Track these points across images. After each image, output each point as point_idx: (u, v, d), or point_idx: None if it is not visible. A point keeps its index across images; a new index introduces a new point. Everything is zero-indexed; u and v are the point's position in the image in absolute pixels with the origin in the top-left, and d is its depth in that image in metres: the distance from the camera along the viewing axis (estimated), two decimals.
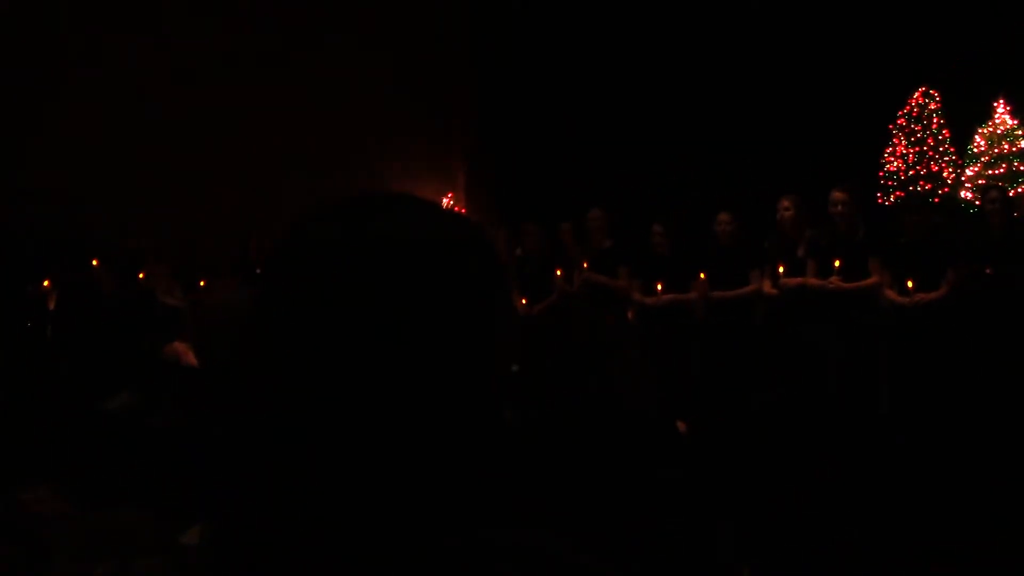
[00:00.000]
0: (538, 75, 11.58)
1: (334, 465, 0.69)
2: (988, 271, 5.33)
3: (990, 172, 13.38)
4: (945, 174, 13.62)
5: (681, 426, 2.96)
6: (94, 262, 7.33)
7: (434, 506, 0.72)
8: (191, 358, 3.76)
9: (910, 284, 5.76)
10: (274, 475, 0.70)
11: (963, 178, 13.67)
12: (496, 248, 0.79)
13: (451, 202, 10.83)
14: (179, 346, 3.97)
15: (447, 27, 11.77)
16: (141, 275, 7.26)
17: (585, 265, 7.07)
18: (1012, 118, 13.67)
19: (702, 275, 6.69)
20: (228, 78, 10.08)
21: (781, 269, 6.39)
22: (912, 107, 13.80)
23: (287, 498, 0.69)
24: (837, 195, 6.28)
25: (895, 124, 13.81)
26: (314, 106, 10.35)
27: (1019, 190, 13.11)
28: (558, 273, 6.97)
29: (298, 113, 10.21)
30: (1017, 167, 13.46)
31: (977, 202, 10.17)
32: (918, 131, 13.70)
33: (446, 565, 0.70)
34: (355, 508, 0.69)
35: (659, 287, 6.80)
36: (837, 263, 6.12)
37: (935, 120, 13.73)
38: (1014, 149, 13.55)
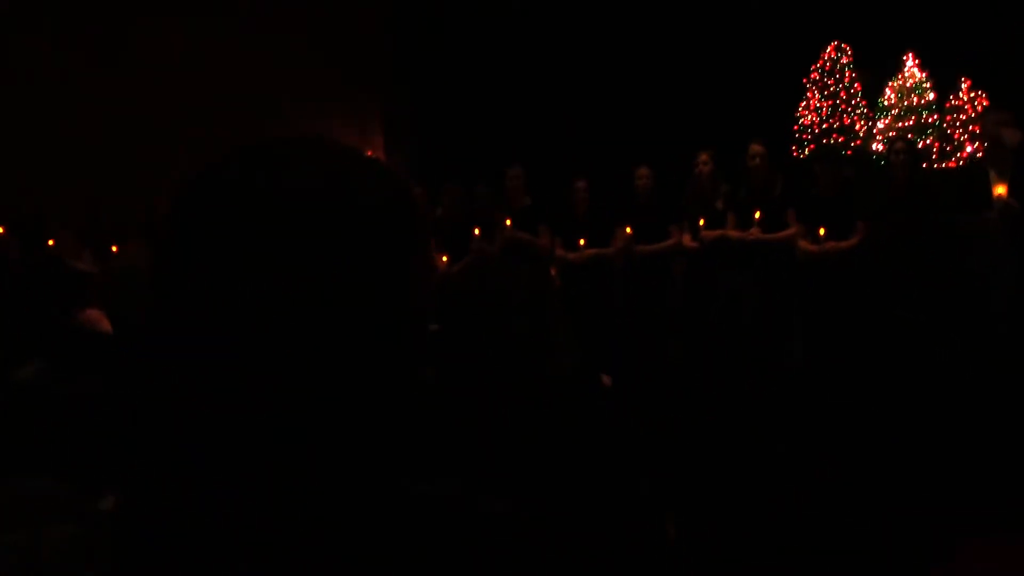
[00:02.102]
0: (455, 32, 11.47)
1: (247, 425, 0.67)
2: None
3: (900, 124, 13.72)
4: (857, 127, 13.93)
5: (606, 380, 2.98)
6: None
7: (353, 462, 0.70)
8: (105, 324, 3.67)
9: (822, 232, 5.89)
10: (188, 438, 0.67)
11: (874, 131, 14.00)
12: (416, 196, 0.76)
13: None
14: (93, 313, 3.87)
15: None
16: (50, 242, 7.04)
17: (508, 223, 7.06)
18: (920, 71, 14.01)
19: (628, 229, 6.73)
20: (138, 32, 9.79)
21: (701, 222, 6.47)
22: (825, 61, 14.05)
23: (202, 461, 0.67)
24: (755, 148, 6.37)
25: (808, 78, 14.05)
26: (227, 65, 10.10)
27: (927, 141, 13.47)
28: (476, 232, 6.94)
29: (212, 72, 9.96)
30: (925, 119, 13.81)
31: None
32: (831, 84, 13.97)
33: (367, 515, 0.69)
34: (270, 467, 0.67)
35: (581, 243, 6.83)
36: (757, 215, 6.22)
37: (847, 74, 14.00)
38: (922, 101, 13.89)
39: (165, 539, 0.67)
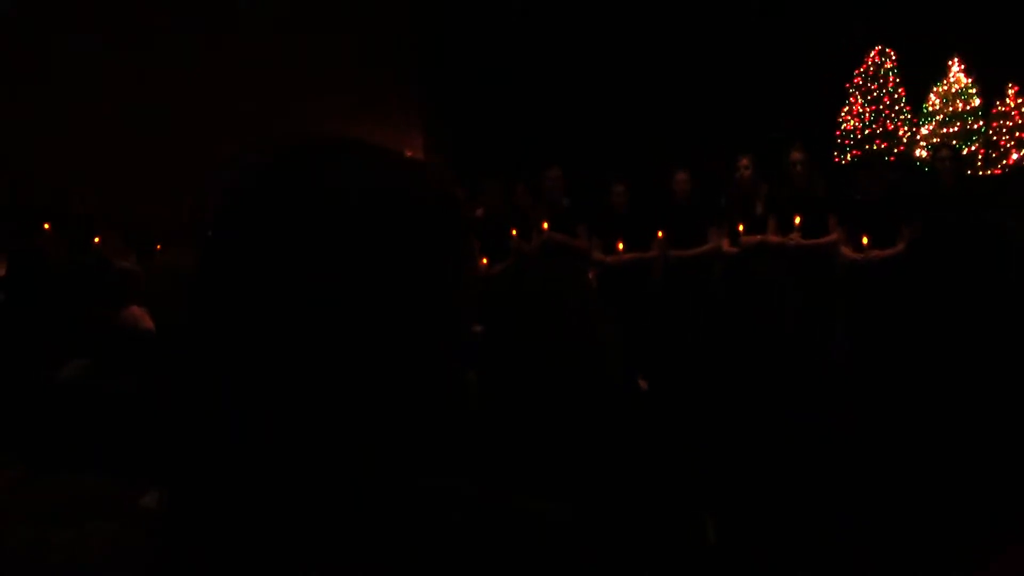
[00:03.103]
0: (495, 31, 11.49)
1: (292, 426, 0.67)
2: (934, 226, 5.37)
3: (944, 130, 13.53)
4: (900, 132, 13.76)
5: (643, 384, 2.97)
6: (45, 226, 7.19)
7: (398, 464, 0.70)
8: (148, 323, 3.72)
9: (865, 240, 5.82)
10: (232, 438, 0.68)
11: (918, 136, 13.82)
12: (458, 197, 0.76)
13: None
14: (135, 311, 3.92)
15: None
16: (96, 240, 7.14)
17: (544, 225, 7.05)
18: (966, 76, 13.81)
19: (660, 234, 6.70)
20: (178, 38, 9.90)
21: (741, 227, 6.43)
22: (868, 66, 13.90)
23: (245, 460, 0.67)
24: (795, 155, 6.32)
25: (852, 83, 13.90)
26: (267, 67, 10.19)
27: (972, 148, 13.28)
28: (513, 233, 6.94)
29: (250, 74, 10.05)
30: (970, 125, 13.61)
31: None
32: (874, 90, 13.81)
33: (409, 517, 0.69)
34: (314, 467, 0.67)
35: (619, 246, 6.81)
36: (798, 220, 6.17)
37: (891, 79, 13.84)
38: (967, 107, 13.70)
39: (210, 535, 0.68)
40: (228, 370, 0.68)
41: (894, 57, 13.81)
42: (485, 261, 6.89)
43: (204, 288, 0.71)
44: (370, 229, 0.69)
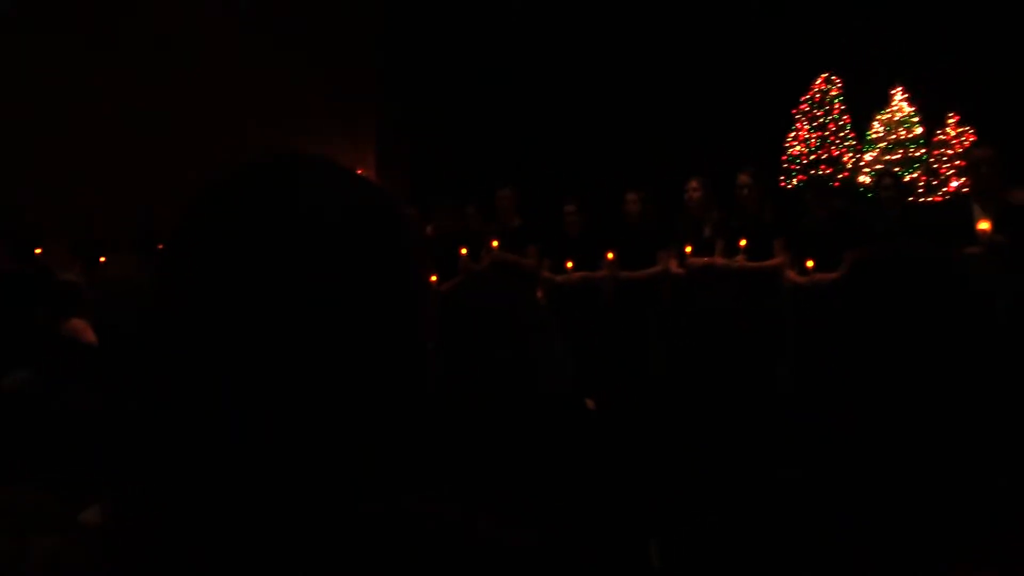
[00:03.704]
0: (449, 51, 11.52)
1: (246, 440, 0.67)
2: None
3: (887, 157, 13.81)
4: (845, 159, 14.01)
5: (590, 403, 2.98)
6: None
7: (356, 480, 0.70)
8: (89, 336, 3.66)
9: (810, 264, 5.92)
10: (182, 450, 0.68)
11: (862, 163, 14.09)
12: (409, 216, 0.77)
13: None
14: (78, 323, 3.86)
15: (356, 5, 11.60)
16: (38, 251, 7.01)
17: (494, 244, 7.07)
18: (909, 105, 14.12)
19: (610, 254, 6.75)
20: (131, 45, 9.79)
21: (689, 249, 6.50)
22: (814, 93, 14.15)
23: (197, 474, 0.67)
24: (742, 177, 6.41)
25: (798, 109, 14.14)
26: (220, 80, 10.11)
27: (914, 175, 13.57)
28: (463, 252, 6.96)
29: (204, 88, 9.96)
30: (912, 153, 13.91)
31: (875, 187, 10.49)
32: (820, 116, 14.06)
33: (365, 532, 0.69)
34: (267, 483, 0.67)
35: (569, 266, 6.85)
36: (743, 243, 6.25)
37: (836, 106, 14.10)
38: (909, 135, 13.99)
39: (156, 552, 0.67)
40: (183, 384, 0.68)
41: (839, 85, 14.08)
42: (434, 279, 6.88)
43: (161, 302, 0.71)
44: (327, 246, 0.69)
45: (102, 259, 6.85)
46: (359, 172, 0.81)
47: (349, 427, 0.70)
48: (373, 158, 11.63)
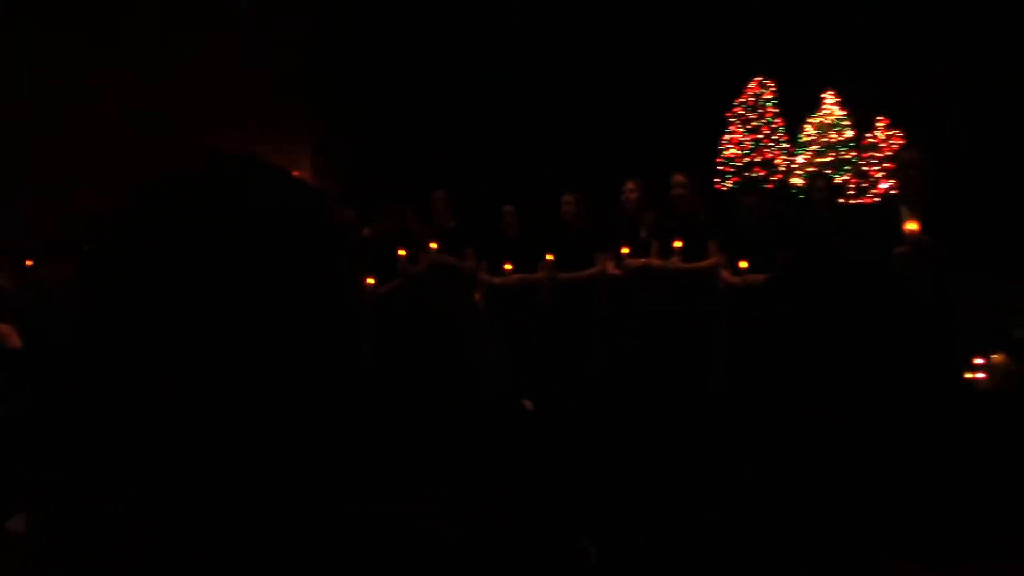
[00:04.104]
0: (384, 54, 11.47)
1: (179, 444, 0.66)
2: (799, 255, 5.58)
3: (819, 160, 14.06)
4: (778, 161, 14.23)
5: (528, 404, 3.00)
6: None
7: (290, 481, 0.70)
8: (15, 341, 3.58)
9: (743, 264, 6.00)
10: (113, 455, 0.67)
11: (794, 165, 14.33)
12: (343, 218, 0.77)
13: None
14: (3, 328, 3.77)
15: (290, 8, 11.49)
16: None
17: (433, 246, 7.06)
18: (840, 108, 14.39)
19: (548, 256, 6.78)
20: (63, 52, 9.59)
21: (625, 250, 6.55)
22: (748, 96, 14.35)
23: (128, 479, 0.66)
24: (677, 178, 6.48)
25: (732, 112, 14.33)
26: (151, 85, 9.93)
27: (844, 177, 13.84)
28: (401, 254, 6.94)
29: (135, 92, 9.78)
30: (843, 155, 14.18)
31: (807, 188, 10.66)
32: (754, 119, 14.27)
33: (310, 534, 0.69)
34: (198, 486, 0.66)
35: (507, 267, 6.86)
36: (678, 244, 6.32)
37: (769, 109, 14.32)
38: (840, 138, 14.27)
39: (83, 558, 0.66)
40: (115, 388, 0.67)
41: (772, 88, 14.30)
42: (372, 282, 6.86)
43: (89, 306, 0.70)
44: (260, 246, 0.69)
45: (28, 263, 6.70)
46: (294, 174, 0.81)
47: (281, 428, 0.69)
48: (308, 160, 11.52)
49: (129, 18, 10.11)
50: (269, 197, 0.73)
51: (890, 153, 13.16)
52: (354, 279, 0.76)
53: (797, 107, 14.26)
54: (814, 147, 14.25)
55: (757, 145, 14.13)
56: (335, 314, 0.73)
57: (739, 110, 14.29)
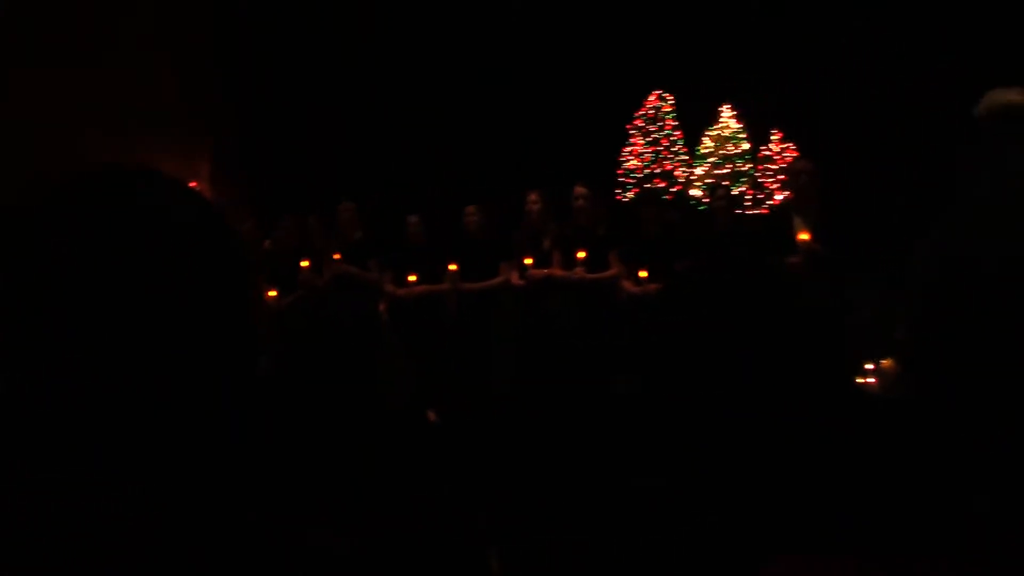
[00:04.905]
0: (286, 65, 11.33)
1: (69, 456, 0.66)
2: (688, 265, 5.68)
3: (717, 172, 14.41)
4: (677, 173, 14.54)
5: (432, 415, 3.00)
6: None
7: (182, 494, 0.70)
8: None
9: (643, 274, 6.11)
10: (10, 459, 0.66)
11: (693, 177, 14.65)
12: (236, 231, 0.77)
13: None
14: None
15: (191, 17, 11.26)
16: None
17: (337, 257, 6.99)
18: (736, 121, 14.77)
19: (452, 266, 6.78)
20: None
21: (529, 261, 6.58)
22: (648, 109, 14.63)
23: (17, 490, 0.65)
24: (579, 190, 6.55)
25: (633, 125, 14.59)
26: (52, 89, 9.60)
27: (741, 189, 14.20)
28: (304, 265, 6.85)
29: (35, 97, 9.45)
30: (740, 167, 14.55)
31: (706, 199, 10.91)
32: (653, 132, 14.55)
33: (201, 547, 0.69)
34: (89, 498, 0.66)
35: (412, 279, 6.84)
36: (581, 255, 6.38)
37: (668, 122, 14.62)
38: (738, 151, 14.64)
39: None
40: (9, 401, 0.66)
41: (671, 102, 14.61)
42: (274, 293, 6.76)
43: None
44: (151, 257, 0.68)
45: None
46: (192, 185, 0.81)
47: (176, 436, 0.69)
48: (207, 169, 11.29)
49: (27, 26, 9.77)
50: (161, 208, 0.72)
51: (784, 165, 13.57)
52: (248, 291, 0.76)
53: (695, 120, 14.59)
54: (712, 159, 14.61)
55: (657, 157, 14.40)
56: (227, 326, 0.73)
57: (639, 122, 14.55)
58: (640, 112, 14.64)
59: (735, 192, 13.16)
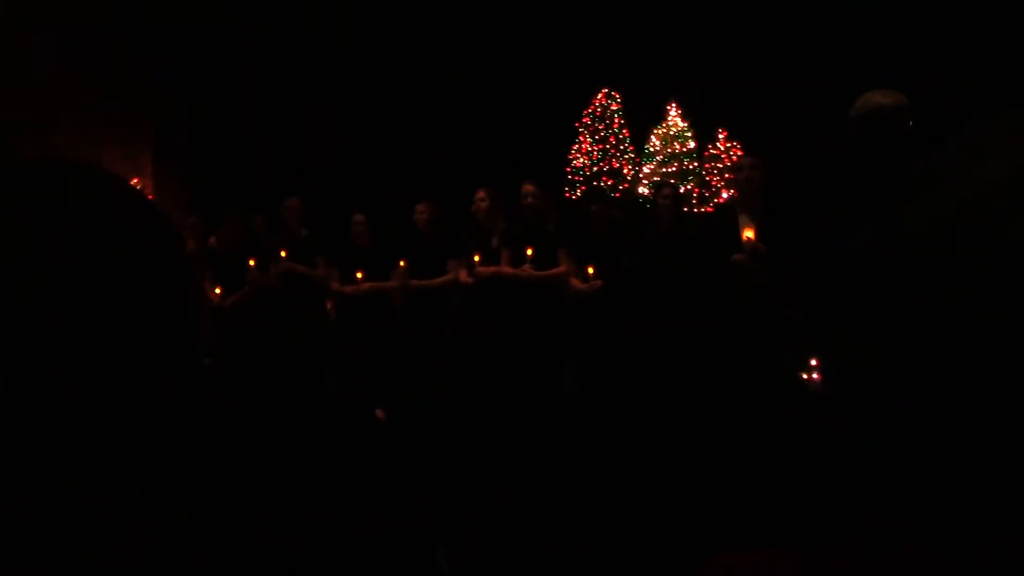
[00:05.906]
0: (230, 60, 11.21)
1: (22, 459, 0.65)
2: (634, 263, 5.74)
3: (664, 170, 14.53)
4: (625, 171, 14.63)
5: (380, 414, 2.99)
6: None
7: (124, 496, 0.69)
8: None
9: (590, 271, 6.15)
10: None
11: (641, 175, 14.76)
12: (175, 229, 0.77)
13: (138, 187, 10.13)
14: None
15: (133, 10, 11.08)
16: None
17: (283, 254, 6.94)
18: (683, 120, 14.91)
19: (401, 263, 6.77)
20: None
21: (477, 258, 6.59)
22: (596, 107, 14.70)
23: None
24: (527, 187, 6.57)
25: (581, 123, 14.65)
26: None
27: (688, 187, 14.33)
28: (251, 263, 6.79)
29: None
30: (687, 166, 14.68)
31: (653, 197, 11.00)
32: (601, 130, 14.62)
33: (145, 548, 0.68)
34: (30, 498, 0.65)
35: (359, 276, 6.81)
36: (529, 252, 6.40)
37: (616, 120, 14.70)
38: (684, 149, 14.78)
39: None
40: None
41: (619, 100, 14.70)
42: (219, 291, 6.69)
43: None
44: (87, 254, 0.68)
45: None
46: (135, 181, 0.80)
47: (115, 442, 0.68)
48: (149, 165, 11.13)
49: None
50: (99, 204, 0.72)
51: (729, 163, 13.74)
52: (188, 290, 0.76)
53: (643, 118, 14.69)
54: (659, 157, 14.73)
55: (605, 155, 14.49)
56: (166, 325, 0.72)
57: (587, 120, 14.62)
58: (588, 110, 14.69)
59: (682, 190, 13.28)
